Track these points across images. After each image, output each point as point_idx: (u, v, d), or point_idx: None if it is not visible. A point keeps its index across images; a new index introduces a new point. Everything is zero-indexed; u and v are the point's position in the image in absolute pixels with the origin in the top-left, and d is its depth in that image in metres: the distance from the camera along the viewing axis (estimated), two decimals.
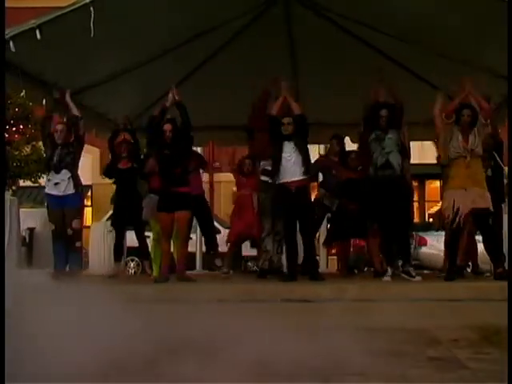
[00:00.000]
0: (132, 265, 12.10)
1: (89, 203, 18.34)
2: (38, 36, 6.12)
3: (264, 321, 5.05)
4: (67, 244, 7.25)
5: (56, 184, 7.10)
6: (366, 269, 9.74)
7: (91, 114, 9.09)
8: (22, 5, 16.15)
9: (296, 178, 7.02)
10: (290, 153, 7.05)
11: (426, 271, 10.68)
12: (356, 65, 8.51)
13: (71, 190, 7.09)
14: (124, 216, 8.00)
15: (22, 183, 16.19)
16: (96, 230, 10.22)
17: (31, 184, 15.74)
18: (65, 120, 7.57)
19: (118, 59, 7.81)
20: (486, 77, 8.13)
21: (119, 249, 8.31)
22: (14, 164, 15.09)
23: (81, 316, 3.64)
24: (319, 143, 11.33)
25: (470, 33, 7.04)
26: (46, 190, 7.27)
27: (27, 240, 9.84)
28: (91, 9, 5.98)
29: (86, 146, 7.73)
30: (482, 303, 5.58)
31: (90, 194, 18.78)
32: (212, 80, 8.82)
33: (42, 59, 6.80)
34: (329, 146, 8.74)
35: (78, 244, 7.18)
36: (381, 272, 7.22)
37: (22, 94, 7.23)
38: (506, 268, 6.77)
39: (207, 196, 10.78)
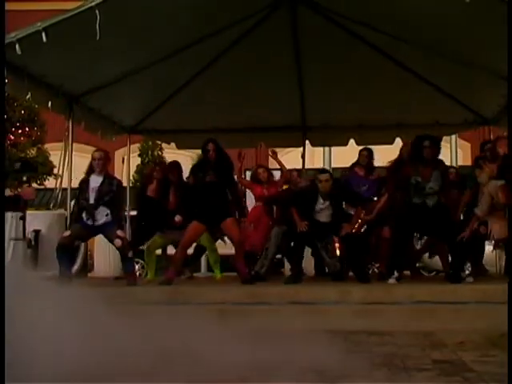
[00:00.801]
0: (137, 267, 12.12)
1: None
2: (44, 39, 6.14)
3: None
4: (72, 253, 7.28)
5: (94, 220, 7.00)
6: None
7: (96, 116, 9.12)
8: (27, 8, 16.18)
9: None
10: None
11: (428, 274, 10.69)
12: (362, 67, 8.51)
13: (108, 220, 7.00)
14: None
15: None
16: None
17: (37, 186, 15.78)
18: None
19: (123, 62, 7.82)
20: (488, 78, 8.14)
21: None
22: None
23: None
24: (323, 146, 11.36)
25: (471, 34, 7.03)
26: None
27: (33, 242, 9.87)
28: (97, 12, 5.99)
29: (91, 149, 7.71)
30: (487, 306, 5.56)
31: None
32: (217, 82, 8.83)
33: (48, 62, 6.81)
34: (358, 156, 8.59)
35: (130, 254, 7.12)
36: (385, 274, 7.22)
37: (27, 96, 7.20)
38: None
39: None
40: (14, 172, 10.62)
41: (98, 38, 5.96)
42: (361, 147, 8.75)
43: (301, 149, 10.47)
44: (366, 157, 8.39)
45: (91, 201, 6.96)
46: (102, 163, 7.08)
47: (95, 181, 7.05)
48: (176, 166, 8.31)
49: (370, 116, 9.64)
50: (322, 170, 7.56)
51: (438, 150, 7.03)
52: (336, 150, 10.71)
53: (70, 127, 8.42)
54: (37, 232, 10.01)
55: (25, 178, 12.13)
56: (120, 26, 6.64)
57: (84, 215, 7.00)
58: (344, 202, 7.53)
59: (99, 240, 10.11)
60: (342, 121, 9.87)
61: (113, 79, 8.17)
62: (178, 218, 7.59)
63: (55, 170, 11.35)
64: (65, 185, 8.44)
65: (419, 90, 8.88)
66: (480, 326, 5.05)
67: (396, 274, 6.93)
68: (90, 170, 7.14)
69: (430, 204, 6.89)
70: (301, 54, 8.59)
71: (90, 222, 6.99)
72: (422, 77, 8.87)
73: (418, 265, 9.20)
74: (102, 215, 6.98)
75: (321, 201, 7.27)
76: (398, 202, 7.31)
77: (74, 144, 8.51)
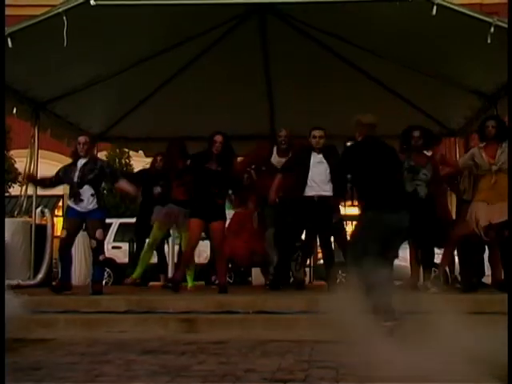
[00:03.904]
0: (105, 274, 12.00)
1: (60, 213, 18.22)
2: (10, 44, 6.07)
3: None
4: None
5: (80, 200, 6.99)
6: None
7: (63, 123, 9.04)
8: (20, 13, 15.97)
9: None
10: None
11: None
12: (331, 78, 8.57)
13: (94, 206, 7.01)
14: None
15: None
16: (78, 239, 10.09)
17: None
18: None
19: (90, 69, 7.78)
20: (457, 91, 8.26)
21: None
22: None
23: None
24: None
25: (439, 47, 7.12)
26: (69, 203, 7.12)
27: None
28: (64, 18, 5.94)
29: (57, 156, 7.64)
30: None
31: (62, 204, 18.64)
32: (185, 91, 8.82)
33: (13, 68, 6.73)
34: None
35: (101, 257, 7.05)
36: None
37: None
38: None
39: None
40: None
41: (65, 44, 5.91)
42: None
43: None
44: None
45: (75, 179, 6.98)
46: (87, 147, 7.09)
47: (80, 163, 7.09)
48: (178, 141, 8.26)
49: (338, 128, 9.69)
50: (317, 127, 7.48)
51: (427, 140, 7.08)
52: None
53: (36, 134, 8.34)
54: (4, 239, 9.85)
55: None
56: (88, 33, 6.60)
57: (71, 201, 7.00)
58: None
59: (77, 248, 10.01)
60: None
61: (80, 86, 8.12)
62: (157, 190, 7.62)
63: (20, 178, 11.22)
64: (30, 192, 8.34)
65: (388, 102, 8.96)
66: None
67: None
68: (76, 155, 7.15)
69: (421, 194, 6.91)
70: (270, 65, 8.63)
71: (78, 208, 6.96)
72: (391, 88, 8.96)
73: None
74: (88, 195, 6.96)
75: (316, 154, 7.23)
76: None
77: (40, 151, 8.42)
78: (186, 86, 8.74)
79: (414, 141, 6.99)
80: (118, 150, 17.46)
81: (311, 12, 7.02)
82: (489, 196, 6.60)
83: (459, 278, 7.77)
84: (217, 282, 7.61)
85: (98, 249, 7.00)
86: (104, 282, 10.86)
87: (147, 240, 8.30)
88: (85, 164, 7.04)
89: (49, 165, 8.21)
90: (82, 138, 7.18)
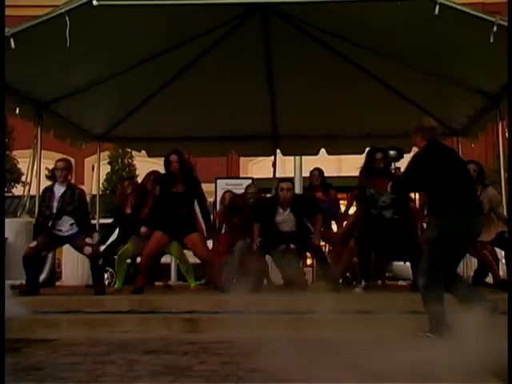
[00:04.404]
0: (106, 275, 12.00)
1: None
2: (13, 45, 6.07)
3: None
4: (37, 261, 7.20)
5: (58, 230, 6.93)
6: None
7: (66, 123, 9.04)
8: (20, 14, 15.99)
9: None
10: None
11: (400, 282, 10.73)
12: (333, 77, 8.55)
13: (74, 230, 6.95)
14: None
15: None
16: None
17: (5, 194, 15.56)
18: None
19: (93, 69, 7.77)
20: (459, 91, 8.24)
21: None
22: None
23: None
24: (294, 155, 11.39)
25: (442, 47, 7.11)
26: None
27: None
28: (66, 18, 5.94)
29: (60, 156, 7.65)
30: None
31: None
32: (187, 91, 8.81)
33: (16, 68, 6.73)
34: (310, 177, 8.73)
35: (100, 262, 7.08)
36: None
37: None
38: None
39: None
40: None
41: (67, 44, 5.91)
42: (333, 156, 8.81)
43: (272, 158, 10.50)
44: (319, 176, 8.48)
45: (54, 210, 6.90)
46: (65, 173, 7.03)
47: (58, 190, 6.99)
48: (153, 175, 8.25)
49: (341, 126, 9.71)
50: (284, 179, 7.52)
51: (391, 162, 7.08)
52: (307, 160, 10.73)
53: (39, 134, 8.34)
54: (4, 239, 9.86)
55: None
56: (90, 34, 6.59)
57: (49, 225, 6.92)
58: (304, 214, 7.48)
59: (67, 248, 10.00)
60: (313, 130, 9.91)
61: (82, 87, 8.11)
62: (143, 229, 7.53)
63: (23, 178, 11.23)
64: (33, 192, 8.35)
65: (390, 101, 8.95)
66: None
67: (363, 283, 6.99)
68: (53, 179, 7.09)
69: (387, 216, 6.94)
70: (272, 64, 8.61)
71: (55, 232, 6.92)
72: (393, 88, 8.94)
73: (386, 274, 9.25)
74: (67, 225, 6.93)
75: (281, 211, 7.24)
76: (359, 214, 7.38)
77: (43, 151, 8.42)
78: (188, 86, 8.73)
79: (376, 164, 6.99)
80: (120, 150, 17.46)
81: (313, 11, 7.01)
82: None
83: None
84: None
85: (94, 253, 6.98)
86: (107, 283, 10.93)
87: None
88: (63, 193, 6.94)
89: (52, 165, 8.19)
90: (60, 164, 7.05)
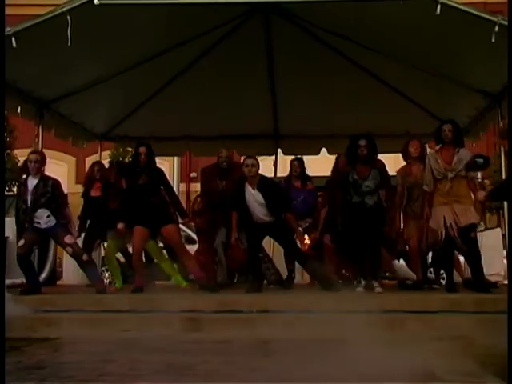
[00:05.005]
0: (107, 275, 11.99)
1: None
2: (14, 44, 6.06)
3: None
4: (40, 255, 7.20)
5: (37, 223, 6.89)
6: None
7: (67, 122, 9.04)
8: (22, 12, 15.99)
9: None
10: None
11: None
12: (333, 77, 8.55)
13: (52, 223, 6.93)
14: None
15: None
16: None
17: (6, 193, 15.54)
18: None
19: (94, 68, 7.77)
20: (461, 90, 8.23)
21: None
22: None
23: None
24: (296, 154, 11.37)
25: (444, 46, 7.11)
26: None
27: None
28: (68, 17, 5.93)
29: (61, 155, 7.65)
30: (456, 315, 5.60)
31: None
32: (189, 90, 8.81)
33: (18, 67, 6.73)
34: (289, 167, 8.67)
35: (84, 257, 7.05)
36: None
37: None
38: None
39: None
40: None
41: (69, 44, 5.90)
42: (334, 156, 8.79)
43: (273, 157, 10.50)
44: (298, 166, 8.45)
45: (28, 204, 6.88)
46: (38, 166, 6.97)
47: (31, 183, 6.96)
48: (116, 167, 8.27)
49: (342, 125, 9.69)
50: (249, 156, 7.37)
51: (374, 149, 7.11)
52: (308, 159, 10.69)
53: (40, 133, 8.34)
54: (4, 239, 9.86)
55: None
56: (92, 33, 6.58)
57: (28, 219, 6.90)
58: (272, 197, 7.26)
59: None
60: (314, 130, 9.90)
61: (84, 86, 8.11)
62: (120, 225, 7.41)
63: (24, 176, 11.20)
64: None
65: (391, 101, 8.95)
66: (448, 335, 5.08)
67: (363, 282, 7.00)
68: (26, 172, 7.04)
69: (370, 203, 6.95)
70: (274, 63, 8.61)
71: (35, 225, 6.89)
72: (394, 87, 8.94)
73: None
74: (44, 217, 6.89)
75: (249, 189, 7.11)
76: (339, 204, 7.33)
77: (44, 150, 8.41)
78: (189, 86, 8.73)
79: (359, 150, 7.01)
80: (121, 149, 17.44)
81: (315, 11, 7.01)
82: (446, 200, 6.70)
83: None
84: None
85: (76, 252, 6.98)
86: (108, 281, 10.94)
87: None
88: (36, 185, 6.90)
89: (53, 164, 8.21)
90: (32, 156, 6.99)
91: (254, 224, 7.11)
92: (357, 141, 7.09)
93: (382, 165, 7.34)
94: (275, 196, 7.15)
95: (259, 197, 7.07)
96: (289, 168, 8.70)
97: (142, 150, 7.20)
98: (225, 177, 7.76)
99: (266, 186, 7.17)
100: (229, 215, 7.30)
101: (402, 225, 7.62)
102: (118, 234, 7.55)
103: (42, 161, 7.03)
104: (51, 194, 6.91)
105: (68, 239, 6.92)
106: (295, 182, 8.41)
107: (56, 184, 7.06)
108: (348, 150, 7.22)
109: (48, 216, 6.88)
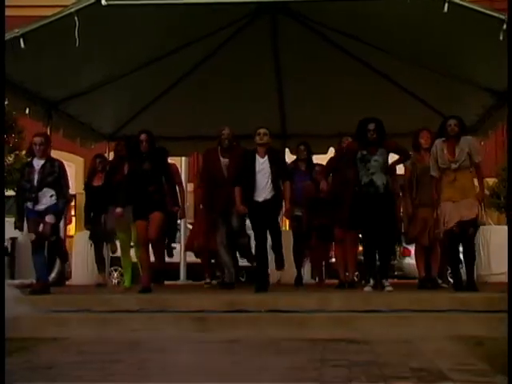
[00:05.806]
0: (115, 275, 12.03)
1: (72, 212, 18.26)
2: (22, 45, 6.09)
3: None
4: (49, 255, 7.20)
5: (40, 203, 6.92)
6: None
7: (75, 123, 9.07)
8: (29, 14, 16.05)
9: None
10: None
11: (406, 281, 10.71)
12: (342, 76, 8.54)
13: (53, 202, 6.98)
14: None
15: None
16: (80, 239, 10.13)
17: (14, 193, 15.58)
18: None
19: (102, 69, 7.80)
20: (468, 88, 8.21)
21: (101, 259, 8.73)
22: None
23: None
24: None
25: (452, 45, 7.10)
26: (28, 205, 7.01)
27: (9, 250, 9.74)
28: (76, 18, 5.95)
29: (69, 156, 7.68)
30: (465, 314, 5.59)
31: (73, 203, 18.67)
32: (196, 91, 8.82)
33: (26, 68, 6.76)
34: (296, 152, 8.72)
35: (52, 239, 7.09)
36: (344, 282, 7.65)
37: (5, 102, 7.12)
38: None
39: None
40: None
41: (77, 44, 5.92)
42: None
43: None
44: (304, 150, 8.45)
45: (35, 183, 6.90)
46: (43, 148, 7.00)
47: (37, 163, 6.99)
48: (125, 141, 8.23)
49: (350, 124, 9.66)
50: (261, 126, 7.37)
51: (382, 132, 7.08)
52: (316, 158, 10.68)
53: (48, 134, 8.36)
54: (13, 239, 9.90)
55: None
56: (99, 34, 6.61)
57: (28, 201, 6.92)
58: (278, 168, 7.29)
59: (77, 248, 10.07)
60: (322, 129, 9.88)
61: (91, 86, 8.14)
62: (118, 209, 7.33)
63: None
64: None
65: (399, 100, 8.94)
66: (457, 334, 5.07)
67: (372, 281, 6.98)
68: (32, 155, 7.09)
69: (378, 183, 6.90)
70: (281, 63, 8.62)
71: (30, 206, 6.90)
72: (402, 86, 8.93)
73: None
74: (47, 197, 6.92)
75: (259, 158, 7.14)
76: (347, 193, 7.26)
77: (53, 151, 8.43)
78: (196, 86, 8.75)
79: (369, 134, 6.98)
80: None
81: (322, 10, 7.01)
82: (451, 194, 6.66)
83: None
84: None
85: (46, 232, 6.88)
86: (116, 282, 10.97)
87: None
88: (43, 165, 6.94)
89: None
90: (37, 139, 7.01)
91: (258, 204, 7.09)
92: (366, 125, 7.06)
93: (389, 144, 7.22)
94: (279, 164, 7.26)
95: (266, 164, 7.11)
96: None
97: (143, 137, 7.11)
98: (227, 154, 7.75)
99: (273, 153, 7.26)
100: (231, 192, 7.28)
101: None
102: (117, 216, 7.48)
103: (46, 143, 7.09)
104: (57, 174, 6.99)
105: (49, 218, 6.90)
106: (301, 165, 8.44)
107: (61, 165, 7.15)
108: (357, 133, 7.17)
109: (51, 196, 6.92)
